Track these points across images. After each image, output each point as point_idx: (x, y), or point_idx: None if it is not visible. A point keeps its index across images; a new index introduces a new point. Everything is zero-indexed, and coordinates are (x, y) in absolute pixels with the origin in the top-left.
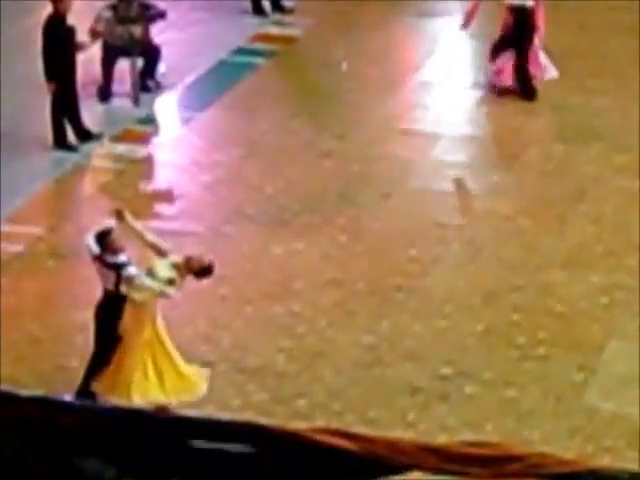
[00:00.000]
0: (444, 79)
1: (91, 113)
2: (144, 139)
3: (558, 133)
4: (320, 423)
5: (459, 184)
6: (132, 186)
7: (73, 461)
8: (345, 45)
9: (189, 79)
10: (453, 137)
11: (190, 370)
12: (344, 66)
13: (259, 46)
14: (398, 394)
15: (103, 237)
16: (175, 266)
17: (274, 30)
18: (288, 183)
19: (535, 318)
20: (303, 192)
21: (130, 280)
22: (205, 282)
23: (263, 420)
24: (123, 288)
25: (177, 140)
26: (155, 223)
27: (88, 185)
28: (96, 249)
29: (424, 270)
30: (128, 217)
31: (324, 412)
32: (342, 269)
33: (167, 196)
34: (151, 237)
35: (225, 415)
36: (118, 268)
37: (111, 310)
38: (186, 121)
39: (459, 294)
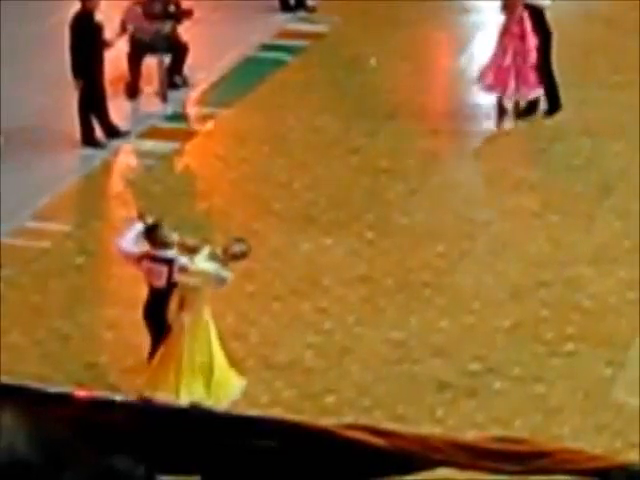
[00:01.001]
0: (474, 76)
1: (119, 110)
2: (172, 136)
3: (584, 128)
4: (348, 419)
5: (487, 179)
6: (160, 183)
7: (104, 459)
8: (374, 42)
9: (216, 76)
10: (480, 132)
11: (231, 372)
12: (373, 62)
13: (286, 42)
14: (426, 390)
15: (151, 232)
16: (213, 256)
17: (301, 27)
18: (315, 180)
19: (563, 314)
20: (331, 188)
21: (184, 268)
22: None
23: (292, 416)
24: (178, 277)
25: (204, 137)
26: (183, 220)
27: (116, 182)
28: (144, 246)
29: (452, 266)
30: (149, 219)
31: (352, 408)
32: (370, 265)
33: (195, 193)
34: (175, 236)
35: (254, 411)
36: (171, 261)
37: (162, 307)
38: (213, 118)
39: (487, 290)
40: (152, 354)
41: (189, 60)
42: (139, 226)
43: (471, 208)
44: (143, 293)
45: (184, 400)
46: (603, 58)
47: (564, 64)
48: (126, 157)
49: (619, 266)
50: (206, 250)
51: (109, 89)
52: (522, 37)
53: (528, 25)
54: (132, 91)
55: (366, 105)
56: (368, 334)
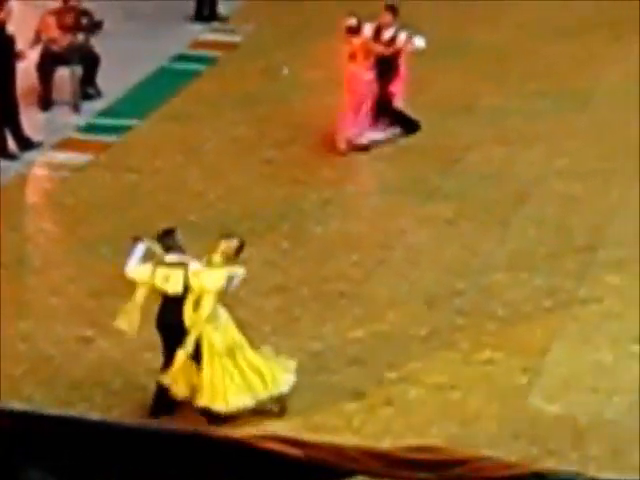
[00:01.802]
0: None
1: (32, 121)
2: (85, 147)
3: (498, 136)
4: (269, 429)
5: (401, 188)
6: (74, 195)
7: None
8: (287, 51)
9: (129, 87)
10: (394, 142)
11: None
12: (285, 71)
13: (200, 53)
14: (343, 399)
15: (167, 237)
16: (210, 262)
17: (214, 37)
18: (230, 190)
19: (478, 322)
20: (245, 199)
21: (198, 273)
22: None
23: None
24: (194, 281)
25: (118, 148)
26: (98, 232)
27: (30, 194)
28: (159, 251)
29: (367, 275)
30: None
31: (270, 418)
32: (285, 275)
33: (110, 204)
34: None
35: (170, 424)
36: (186, 265)
37: (178, 314)
38: (127, 129)
39: (402, 298)
40: (168, 363)
41: (102, 71)
42: (140, 247)
43: (386, 217)
44: (57, 304)
45: (233, 406)
46: (517, 66)
47: (477, 72)
48: (40, 169)
49: (534, 273)
50: (197, 263)
51: (22, 101)
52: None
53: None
54: (45, 102)
55: (280, 115)
56: (284, 344)
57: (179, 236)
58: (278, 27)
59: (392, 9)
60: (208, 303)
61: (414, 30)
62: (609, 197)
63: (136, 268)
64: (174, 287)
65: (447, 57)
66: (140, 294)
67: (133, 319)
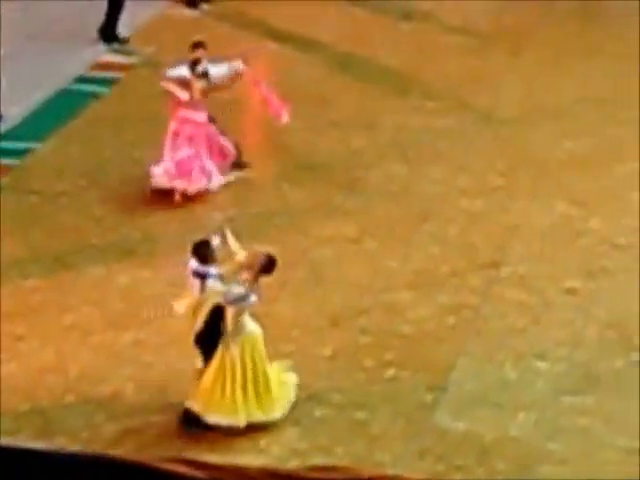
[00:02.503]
0: (289, 103)
1: None
2: None
3: (400, 154)
4: (171, 452)
5: (303, 207)
6: None
7: None
8: None
9: (30, 109)
10: (295, 161)
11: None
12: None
13: (100, 74)
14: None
15: (201, 249)
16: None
17: (115, 58)
18: (132, 212)
19: (383, 340)
20: (147, 220)
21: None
22: (50, 312)
23: (113, 451)
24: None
25: (19, 171)
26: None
27: None
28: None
29: (271, 294)
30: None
31: (177, 441)
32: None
33: (12, 228)
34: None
35: (74, 447)
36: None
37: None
38: (28, 151)
39: (306, 318)
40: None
41: (2, 94)
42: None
43: (289, 237)
44: None
45: (242, 421)
46: (417, 84)
47: (379, 90)
48: None
49: (438, 291)
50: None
51: None
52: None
53: None
54: None
55: None
56: (189, 366)
57: (214, 246)
58: (179, 49)
59: (200, 45)
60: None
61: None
62: (511, 213)
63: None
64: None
65: (348, 75)
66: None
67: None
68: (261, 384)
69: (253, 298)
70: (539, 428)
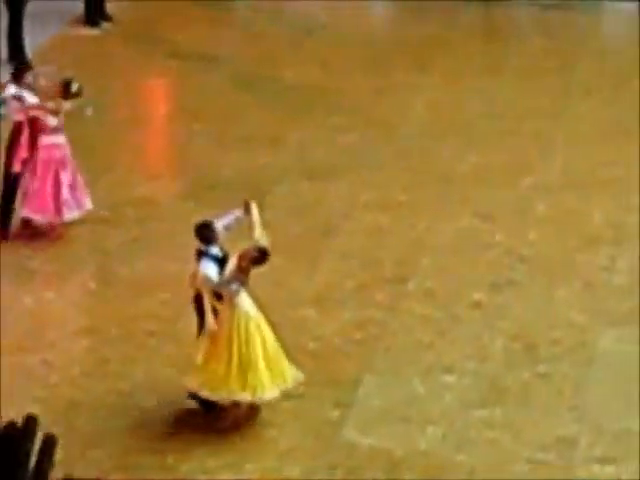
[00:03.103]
0: (193, 122)
1: None
2: None
3: (304, 170)
4: (78, 473)
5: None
6: None
7: None
8: (90, 91)
9: None
10: (202, 179)
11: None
12: (89, 111)
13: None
14: (156, 438)
15: (204, 230)
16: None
17: None
18: (34, 232)
19: (290, 357)
20: (49, 241)
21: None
22: None
23: None
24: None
25: None
26: None
27: None
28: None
29: (176, 314)
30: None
31: (82, 461)
32: (93, 316)
33: None
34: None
35: None
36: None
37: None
38: None
39: None
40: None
41: None
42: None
43: (192, 255)
44: None
45: (225, 397)
46: (320, 100)
47: (284, 107)
48: None
49: (343, 307)
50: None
51: None
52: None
53: None
54: None
55: (85, 156)
56: (94, 386)
57: (215, 227)
58: (80, 68)
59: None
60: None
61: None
62: (416, 228)
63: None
64: None
65: (253, 92)
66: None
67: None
68: (248, 363)
69: (234, 287)
70: (447, 441)
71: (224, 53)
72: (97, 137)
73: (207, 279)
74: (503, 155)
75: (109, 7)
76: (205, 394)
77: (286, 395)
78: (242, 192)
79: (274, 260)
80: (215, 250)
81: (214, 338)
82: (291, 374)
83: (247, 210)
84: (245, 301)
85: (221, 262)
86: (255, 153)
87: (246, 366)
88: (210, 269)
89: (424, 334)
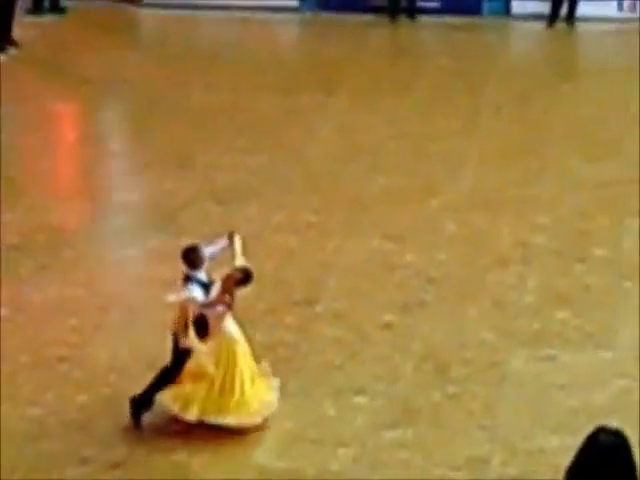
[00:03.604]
0: (102, 146)
1: None
2: None
3: (212, 193)
4: None
5: (118, 250)
6: None
7: None
8: None
9: None
10: (111, 203)
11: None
12: None
13: None
14: (67, 465)
15: (191, 254)
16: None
17: None
18: None
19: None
20: None
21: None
22: None
23: None
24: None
25: None
26: None
27: None
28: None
29: (86, 339)
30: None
31: None
32: (4, 343)
33: None
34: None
35: None
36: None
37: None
38: None
39: (122, 361)
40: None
41: None
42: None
43: (102, 280)
44: None
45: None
46: (229, 122)
47: (191, 130)
48: None
49: (253, 329)
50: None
51: None
52: None
53: None
54: None
55: None
56: (5, 412)
57: (202, 252)
58: None
59: None
60: None
61: None
62: (326, 250)
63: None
64: None
65: (160, 115)
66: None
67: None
68: (226, 386)
69: (220, 309)
70: (360, 462)
71: (131, 77)
72: (6, 163)
73: (193, 300)
74: (412, 176)
75: (15, 32)
76: (174, 410)
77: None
78: (151, 216)
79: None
80: (201, 275)
81: (196, 360)
82: (270, 399)
83: (231, 240)
84: (231, 325)
85: (206, 288)
86: (163, 177)
87: (229, 390)
88: (196, 292)
89: (335, 356)
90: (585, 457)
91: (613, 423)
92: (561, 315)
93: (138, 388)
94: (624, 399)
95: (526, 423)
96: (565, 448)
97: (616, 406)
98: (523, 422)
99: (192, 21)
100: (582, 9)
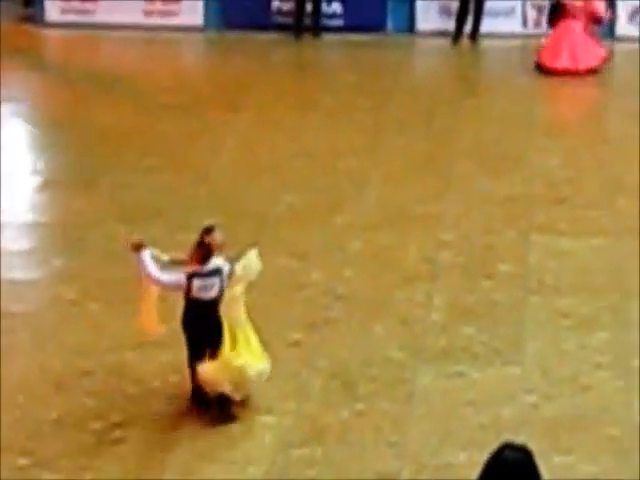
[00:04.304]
0: (5, 166)
1: None
2: None
3: (119, 213)
4: None
5: (24, 272)
6: None
7: None
8: None
9: None
10: (16, 225)
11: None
12: None
13: None
14: None
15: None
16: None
17: None
18: None
19: (108, 401)
20: None
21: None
22: None
23: None
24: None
25: None
26: None
27: None
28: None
29: None
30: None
31: None
32: None
33: None
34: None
35: None
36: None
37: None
38: None
39: (30, 383)
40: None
41: None
42: (147, 253)
43: (10, 302)
44: None
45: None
46: (133, 142)
47: (96, 149)
48: None
49: (162, 349)
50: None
51: None
52: None
53: None
54: None
55: None
56: None
57: (219, 234)
58: None
59: None
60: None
61: None
62: None
63: (165, 277)
64: (208, 294)
65: (67, 135)
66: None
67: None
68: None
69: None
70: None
71: (36, 97)
72: None
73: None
74: (317, 193)
75: None
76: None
77: (105, 438)
78: (57, 236)
79: (92, 306)
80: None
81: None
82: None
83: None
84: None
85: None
86: (69, 197)
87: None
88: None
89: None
90: (490, 473)
91: (521, 438)
92: (468, 331)
93: (47, 409)
94: (532, 414)
95: (435, 439)
96: (473, 464)
97: (524, 421)
98: (431, 438)
99: (96, 41)
100: (486, 25)
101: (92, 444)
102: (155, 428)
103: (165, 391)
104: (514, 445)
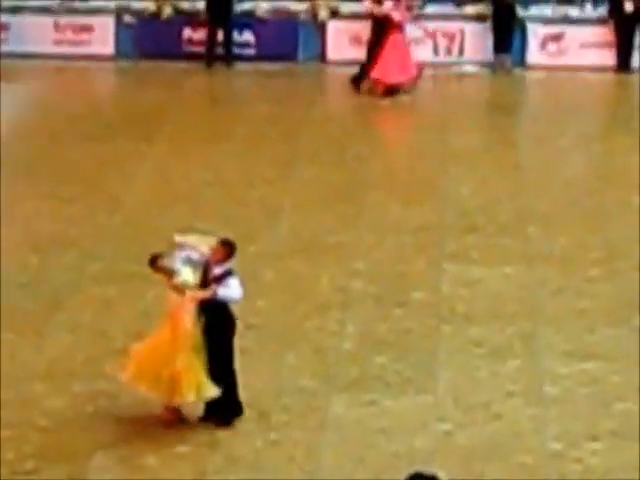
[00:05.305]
0: None
1: None
2: None
3: (32, 243)
4: None
5: None
6: None
7: None
8: None
9: None
10: None
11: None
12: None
13: None
14: None
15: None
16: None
17: None
18: None
19: (21, 433)
20: None
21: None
22: None
23: None
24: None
25: None
26: None
27: None
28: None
29: None
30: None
31: None
32: None
33: None
34: None
35: None
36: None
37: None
38: None
39: None
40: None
41: None
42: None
43: None
44: None
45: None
46: (47, 170)
47: (8, 179)
48: None
49: (73, 380)
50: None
51: None
52: None
53: None
54: None
55: None
56: None
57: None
58: None
59: None
60: None
61: None
62: (145, 299)
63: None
64: None
65: None
66: None
67: None
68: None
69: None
70: None
71: None
72: None
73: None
74: (229, 223)
75: None
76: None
77: (19, 471)
78: None
79: (3, 335)
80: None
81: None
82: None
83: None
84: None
85: None
86: None
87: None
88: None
89: (156, 406)
90: None
91: (434, 466)
92: (381, 360)
93: None
94: (445, 442)
95: (348, 467)
96: None
97: (437, 449)
98: (345, 466)
99: (6, 70)
100: None
101: (6, 475)
102: (67, 460)
103: (77, 422)
104: (424, 474)
